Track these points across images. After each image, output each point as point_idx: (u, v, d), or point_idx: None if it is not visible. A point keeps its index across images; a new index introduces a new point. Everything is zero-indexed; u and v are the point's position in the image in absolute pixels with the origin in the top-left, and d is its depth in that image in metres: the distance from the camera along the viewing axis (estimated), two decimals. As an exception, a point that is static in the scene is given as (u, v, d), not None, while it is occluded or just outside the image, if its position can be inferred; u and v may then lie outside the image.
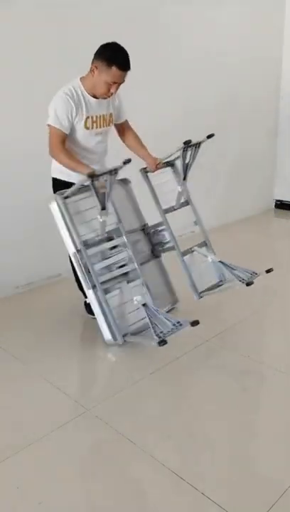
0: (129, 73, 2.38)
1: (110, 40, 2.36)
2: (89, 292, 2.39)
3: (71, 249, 2.39)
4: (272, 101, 4.99)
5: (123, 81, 2.39)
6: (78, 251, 2.37)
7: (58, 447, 1.80)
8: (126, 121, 2.73)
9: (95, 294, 2.38)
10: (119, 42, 2.37)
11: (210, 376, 2.24)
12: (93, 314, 2.52)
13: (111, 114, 2.58)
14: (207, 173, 4.43)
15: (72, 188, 2.34)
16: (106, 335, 2.40)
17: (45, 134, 2.42)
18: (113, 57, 2.31)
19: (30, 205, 3.03)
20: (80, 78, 2.45)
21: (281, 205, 5.35)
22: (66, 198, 2.38)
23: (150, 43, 3.59)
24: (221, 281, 2.79)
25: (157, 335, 2.11)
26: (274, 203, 5.39)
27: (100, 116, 2.52)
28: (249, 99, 4.65)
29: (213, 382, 2.19)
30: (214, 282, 2.78)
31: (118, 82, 2.37)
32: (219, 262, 2.66)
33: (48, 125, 2.40)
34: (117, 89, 2.41)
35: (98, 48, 2.36)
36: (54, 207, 2.38)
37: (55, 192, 2.48)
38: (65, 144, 2.41)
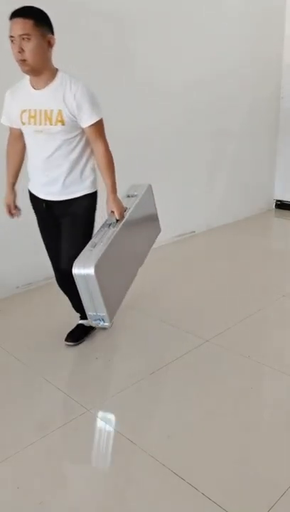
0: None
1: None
2: None
3: None
4: (272, 100, 4.99)
5: (21, 33, 1.96)
6: None
7: (58, 447, 1.81)
8: (90, 129, 2.14)
9: None
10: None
11: (209, 376, 2.24)
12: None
13: (60, 112, 2.10)
14: (207, 173, 4.43)
15: None
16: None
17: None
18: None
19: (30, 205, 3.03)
20: None
21: (281, 205, 5.35)
22: None
23: (149, 41, 3.60)
24: None
25: None
26: (274, 203, 5.39)
27: (41, 111, 2.12)
28: (249, 99, 4.65)
29: (213, 382, 2.19)
30: None
31: (15, 36, 1.98)
32: None
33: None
34: (22, 48, 1.98)
35: None
36: None
37: None
38: (14, 138, 2.32)
